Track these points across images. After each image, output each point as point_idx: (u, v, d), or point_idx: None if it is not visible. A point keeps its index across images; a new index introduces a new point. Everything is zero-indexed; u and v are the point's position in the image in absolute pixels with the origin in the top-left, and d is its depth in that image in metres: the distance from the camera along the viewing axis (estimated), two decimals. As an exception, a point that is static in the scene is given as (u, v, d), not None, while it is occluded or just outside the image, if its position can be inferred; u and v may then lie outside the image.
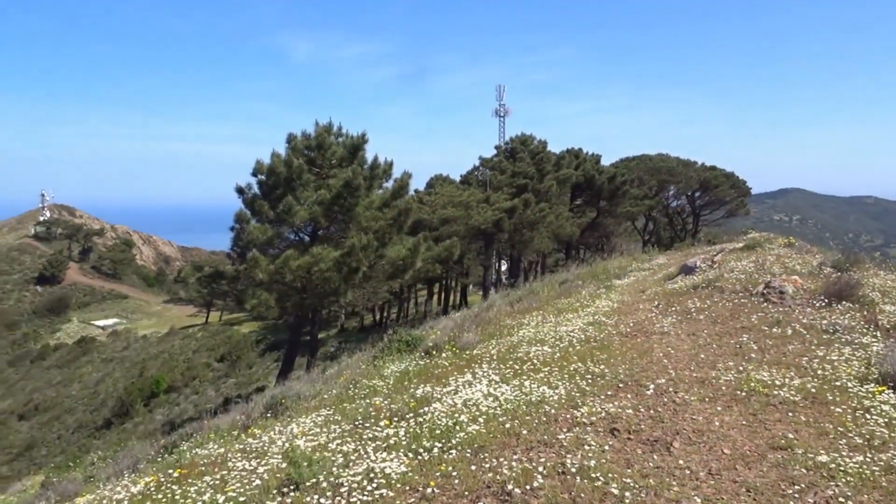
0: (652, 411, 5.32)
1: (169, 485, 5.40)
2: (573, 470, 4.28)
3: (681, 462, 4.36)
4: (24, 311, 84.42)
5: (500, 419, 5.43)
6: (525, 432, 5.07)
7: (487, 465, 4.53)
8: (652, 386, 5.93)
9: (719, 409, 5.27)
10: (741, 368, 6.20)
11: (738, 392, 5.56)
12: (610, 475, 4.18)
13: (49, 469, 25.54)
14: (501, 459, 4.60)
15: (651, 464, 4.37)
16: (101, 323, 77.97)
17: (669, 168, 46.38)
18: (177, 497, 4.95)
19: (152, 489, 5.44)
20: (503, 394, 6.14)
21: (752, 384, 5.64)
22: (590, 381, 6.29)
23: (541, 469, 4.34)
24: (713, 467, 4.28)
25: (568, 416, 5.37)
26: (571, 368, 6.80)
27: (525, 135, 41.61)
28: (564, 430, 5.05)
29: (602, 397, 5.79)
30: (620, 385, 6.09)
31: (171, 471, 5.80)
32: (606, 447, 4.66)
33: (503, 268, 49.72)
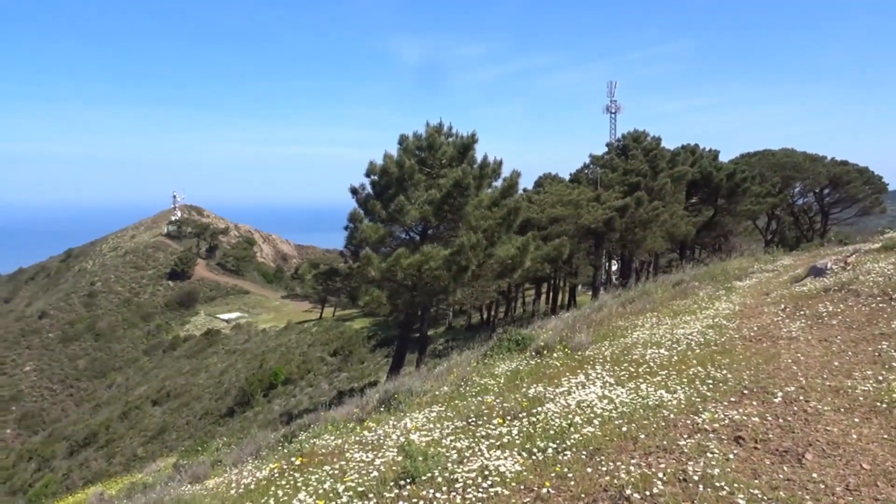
0: (780, 420, 5.03)
1: (291, 472, 5.66)
2: (695, 478, 4.11)
3: (814, 475, 4.10)
4: (157, 304, 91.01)
5: (616, 422, 5.31)
6: (643, 437, 4.93)
7: (604, 469, 4.44)
8: (780, 394, 5.60)
9: (856, 420, 4.91)
10: (881, 378, 5.75)
11: (878, 403, 5.16)
12: (735, 485, 3.99)
13: (179, 452, 27.33)
14: (618, 463, 4.49)
15: (781, 475, 4.13)
16: (225, 316, 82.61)
17: (795, 164, 43.73)
18: (299, 484, 5.17)
19: (276, 475, 5.72)
20: (618, 396, 5.99)
21: (894, 395, 5.22)
22: (711, 386, 6.03)
23: (660, 475, 4.20)
24: (851, 483, 3.99)
25: (688, 421, 5.17)
26: (690, 373, 6.54)
27: (638, 131, 40.47)
28: (685, 436, 4.87)
29: (725, 404, 5.53)
30: (745, 392, 5.80)
31: (293, 459, 6.08)
32: (731, 456, 4.45)
33: (613, 268, 48.59)
